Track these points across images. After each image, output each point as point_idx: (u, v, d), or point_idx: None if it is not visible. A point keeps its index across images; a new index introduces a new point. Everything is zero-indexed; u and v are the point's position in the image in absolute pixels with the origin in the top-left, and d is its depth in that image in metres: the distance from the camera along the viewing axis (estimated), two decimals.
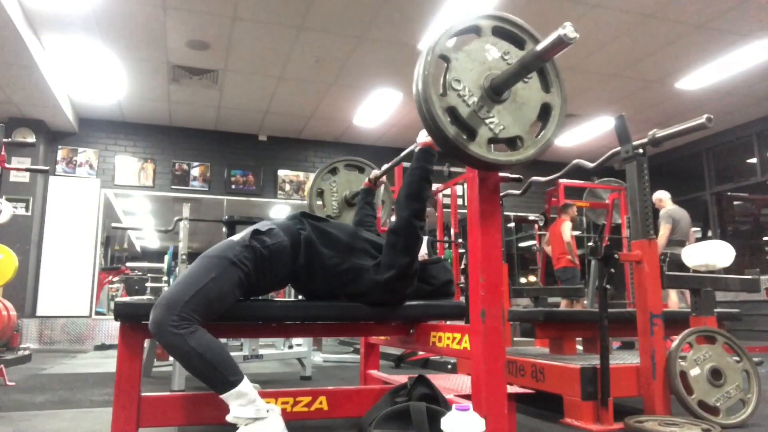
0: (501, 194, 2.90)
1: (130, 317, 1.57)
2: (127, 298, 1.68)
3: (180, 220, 3.76)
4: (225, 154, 7.42)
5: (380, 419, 1.66)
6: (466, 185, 1.48)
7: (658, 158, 8.18)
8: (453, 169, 4.54)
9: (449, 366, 3.79)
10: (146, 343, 3.31)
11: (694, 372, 2.15)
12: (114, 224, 6.34)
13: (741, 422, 2.09)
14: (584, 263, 6.10)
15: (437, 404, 1.69)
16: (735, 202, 8.15)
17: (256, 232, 1.71)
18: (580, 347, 3.26)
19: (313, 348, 4.30)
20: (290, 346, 3.94)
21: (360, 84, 6.01)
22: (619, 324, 2.51)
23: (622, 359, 2.47)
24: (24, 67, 5.04)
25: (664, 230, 5.56)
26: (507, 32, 1.48)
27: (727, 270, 3.71)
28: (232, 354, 3.32)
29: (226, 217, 3.71)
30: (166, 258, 5.28)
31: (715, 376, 2.16)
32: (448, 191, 5.77)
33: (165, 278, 5.49)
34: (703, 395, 2.12)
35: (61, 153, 6.78)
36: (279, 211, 7.83)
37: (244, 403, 1.51)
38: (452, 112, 1.37)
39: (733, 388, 2.16)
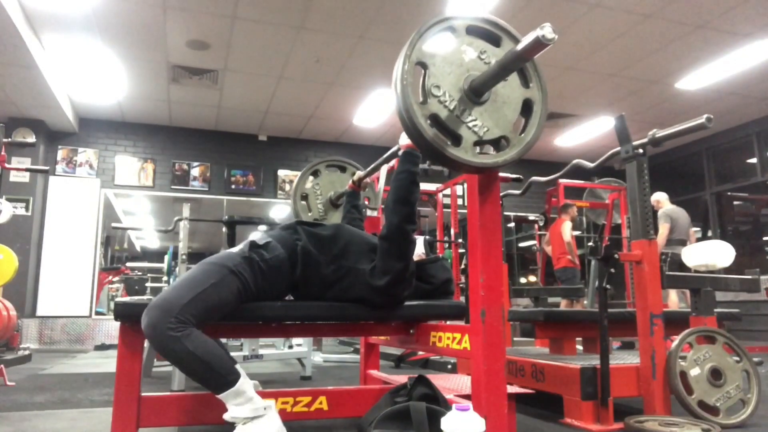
0: (501, 194, 2.90)
1: (130, 317, 1.57)
2: (127, 298, 1.68)
3: (180, 220, 3.76)
4: (225, 154, 7.42)
5: (380, 419, 1.66)
6: (465, 185, 1.47)
7: (658, 158, 8.19)
8: None
9: (449, 366, 3.79)
10: (146, 343, 3.31)
11: (694, 372, 2.15)
12: (114, 224, 6.34)
13: (741, 422, 2.09)
14: (584, 263, 6.10)
15: (437, 404, 1.69)
16: (735, 202, 8.15)
17: (254, 245, 1.70)
18: (580, 347, 3.26)
19: (313, 348, 4.30)
20: (290, 346, 3.94)
21: (360, 84, 6.01)
22: (619, 324, 2.51)
23: (622, 359, 2.47)
24: (24, 67, 5.04)
25: (663, 230, 5.56)
26: (482, 30, 1.47)
27: (727, 270, 3.71)
28: (232, 354, 3.34)
29: (226, 217, 3.72)
30: (166, 258, 5.28)
31: (715, 376, 2.16)
32: (448, 191, 5.78)
33: (165, 278, 5.49)
34: (703, 395, 2.12)
35: (61, 153, 6.78)
36: (279, 211, 7.83)
37: (241, 402, 1.51)
38: (434, 118, 1.36)
39: (733, 388, 2.16)
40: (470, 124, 1.39)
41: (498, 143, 1.43)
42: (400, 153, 1.81)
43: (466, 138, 1.38)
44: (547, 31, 1.16)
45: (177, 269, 3.72)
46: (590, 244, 2.29)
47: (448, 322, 1.94)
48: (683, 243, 5.45)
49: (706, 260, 2.81)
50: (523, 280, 8.84)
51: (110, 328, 6.53)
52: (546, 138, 7.74)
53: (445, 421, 1.30)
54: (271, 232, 1.81)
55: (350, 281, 1.77)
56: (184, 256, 3.56)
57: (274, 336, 2.99)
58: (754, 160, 7.29)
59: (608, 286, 2.16)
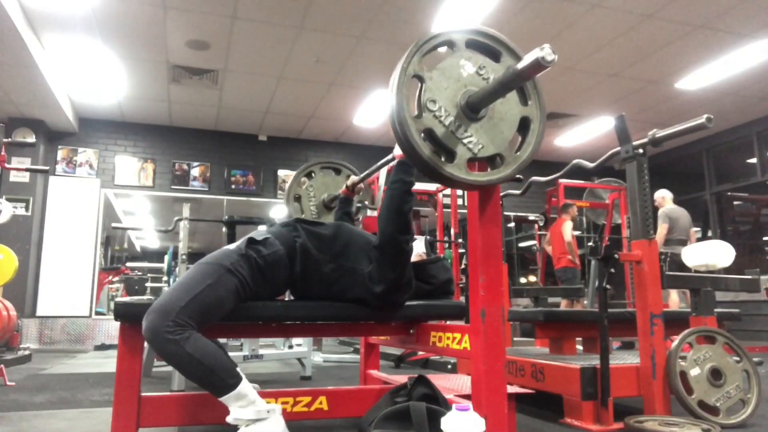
0: (501, 194, 2.90)
1: (130, 317, 1.57)
2: (127, 298, 1.68)
3: (180, 220, 3.76)
4: (225, 154, 7.42)
5: (380, 419, 1.66)
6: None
7: (658, 158, 8.19)
8: None
9: (449, 366, 3.79)
10: (146, 344, 3.31)
11: (694, 372, 2.15)
12: (114, 224, 6.34)
13: (741, 422, 2.09)
14: (584, 263, 6.10)
15: (437, 404, 1.69)
16: (735, 202, 8.16)
17: (251, 241, 1.70)
18: (580, 347, 3.25)
19: (313, 348, 4.30)
20: (290, 346, 3.94)
21: (360, 84, 6.01)
22: (619, 324, 2.51)
23: (622, 359, 2.47)
24: (24, 67, 5.04)
25: (661, 230, 5.56)
26: (481, 45, 1.44)
27: (727, 270, 3.71)
28: (233, 354, 3.34)
29: (226, 217, 3.72)
30: (166, 258, 5.28)
31: (715, 376, 2.16)
32: (448, 191, 5.78)
33: (165, 278, 5.49)
34: (703, 395, 2.12)
35: (61, 153, 6.78)
36: (279, 211, 7.83)
37: (244, 404, 1.51)
38: (429, 133, 1.33)
39: (733, 388, 2.16)
40: (465, 141, 1.36)
41: (493, 160, 1.41)
42: (394, 162, 1.79)
43: (460, 155, 1.35)
44: (546, 52, 1.15)
45: (177, 269, 3.72)
46: (590, 244, 2.29)
47: (448, 322, 1.94)
48: (683, 243, 5.44)
49: (706, 260, 2.81)
50: (523, 280, 8.84)
51: (110, 328, 6.53)
52: (546, 138, 7.68)
53: (445, 421, 1.30)
54: (270, 229, 1.81)
55: (349, 281, 1.76)
56: (184, 256, 3.56)
57: (274, 336, 2.99)
58: (754, 160, 7.29)
59: (608, 286, 2.16)
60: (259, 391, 1.68)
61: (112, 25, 4.72)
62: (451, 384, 2.21)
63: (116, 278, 8.08)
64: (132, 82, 5.89)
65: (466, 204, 4.51)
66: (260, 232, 1.76)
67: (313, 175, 2.74)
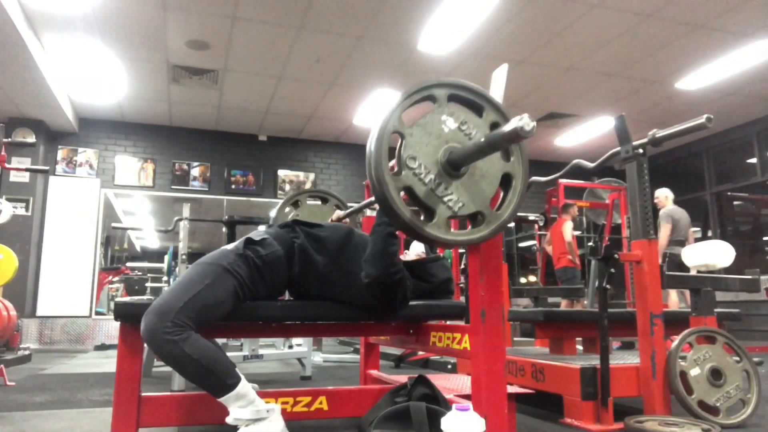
0: None
1: (130, 317, 1.57)
2: (127, 298, 1.68)
3: (180, 220, 3.76)
4: (225, 154, 7.42)
5: (380, 419, 1.66)
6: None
7: (658, 158, 8.19)
8: None
9: (449, 366, 3.79)
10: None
11: (694, 372, 2.15)
12: (114, 224, 6.35)
13: (741, 422, 2.08)
14: (584, 263, 6.10)
15: (437, 404, 1.69)
16: (735, 202, 8.16)
17: (249, 241, 1.70)
18: (580, 347, 3.25)
19: (313, 348, 4.30)
20: (290, 346, 3.94)
21: (360, 84, 6.01)
22: (619, 324, 2.51)
23: (622, 359, 2.47)
24: (24, 67, 5.04)
25: (665, 230, 5.55)
26: (464, 99, 1.41)
27: (727, 270, 3.71)
28: (233, 354, 3.35)
29: (226, 217, 3.72)
30: (166, 258, 5.28)
31: (715, 376, 2.16)
32: None
33: (165, 278, 5.49)
34: (703, 395, 2.12)
35: (61, 153, 6.78)
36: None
37: (243, 404, 1.51)
38: (409, 191, 1.30)
39: (733, 388, 2.16)
40: (445, 199, 1.33)
41: (474, 218, 1.39)
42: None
43: (440, 213, 1.32)
44: (525, 122, 1.12)
45: (177, 269, 3.73)
46: (590, 244, 2.29)
47: (448, 322, 1.94)
48: (682, 243, 5.44)
49: (706, 260, 2.81)
50: (523, 280, 8.84)
51: (110, 328, 6.54)
52: (546, 138, 7.74)
53: (445, 421, 1.30)
54: (269, 230, 1.81)
55: (346, 282, 1.76)
56: (184, 256, 3.56)
57: (274, 336, 2.99)
58: (754, 160, 7.29)
59: (608, 286, 2.16)
60: (259, 391, 1.69)
61: (112, 25, 4.72)
62: (451, 384, 2.21)
63: (116, 278, 8.08)
64: (132, 82, 5.89)
65: None
66: (258, 232, 1.76)
67: (299, 204, 2.72)
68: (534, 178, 3.25)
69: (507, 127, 1.16)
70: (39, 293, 6.43)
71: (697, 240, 6.15)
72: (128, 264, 8.64)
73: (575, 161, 2.73)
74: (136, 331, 1.54)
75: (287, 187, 7.57)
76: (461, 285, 4.79)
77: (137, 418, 1.60)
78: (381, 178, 1.26)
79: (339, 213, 2.44)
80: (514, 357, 2.55)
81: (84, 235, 6.71)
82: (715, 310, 2.48)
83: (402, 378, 2.06)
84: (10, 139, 4.65)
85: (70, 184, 6.76)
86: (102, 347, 6.37)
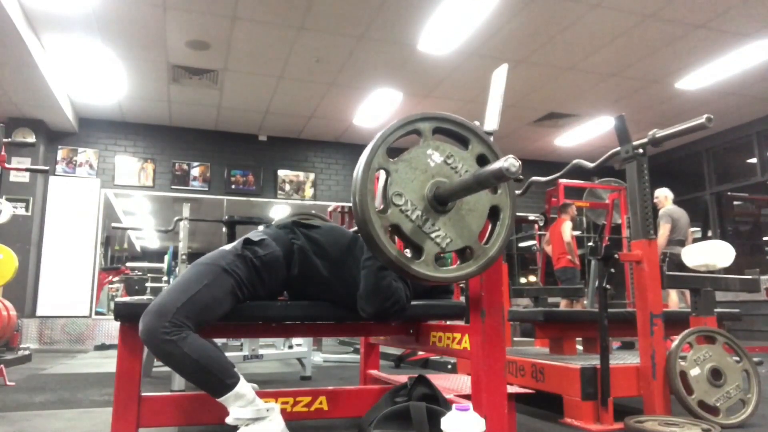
0: None
1: (130, 317, 1.57)
2: (127, 298, 1.68)
3: (180, 220, 3.76)
4: (225, 154, 7.42)
5: (380, 419, 1.66)
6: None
7: (658, 158, 8.19)
8: None
9: (449, 366, 3.79)
10: None
11: (694, 372, 2.15)
12: (114, 224, 6.35)
13: (741, 422, 2.08)
14: (584, 263, 6.10)
15: (437, 404, 1.69)
16: (735, 202, 8.16)
17: (248, 241, 1.69)
18: (580, 347, 3.25)
19: (313, 348, 4.30)
20: (290, 346, 3.94)
21: (360, 84, 6.01)
22: (619, 324, 2.51)
23: (622, 359, 2.47)
24: (24, 67, 5.04)
25: (664, 230, 5.56)
26: (449, 131, 1.40)
27: (727, 270, 3.71)
28: (233, 354, 3.35)
29: (226, 217, 3.72)
30: (166, 258, 5.28)
31: (715, 376, 2.16)
32: None
33: (165, 278, 5.49)
34: (703, 395, 2.12)
35: (61, 153, 6.78)
36: (279, 211, 7.83)
37: (242, 404, 1.51)
38: (396, 228, 1.29)
39: (733, 388, 2.16)
40: (432, 235, 1.32)
41: (462, 253, 1.38)
42: None
43: (427, 250, 1.31)
44: (510, 163, 1.11)
45: (177, 269, 3.73)
46: (590, 244, 2.29)
47: (448, 322, 1.94)
48: (682, 243, 5.45)
49: (706, 260, 2.81)
50: (523, 280, 8.84)
51: (110, 328, 6.54)
52: (546, 138, 7.74)
53: (445, 421, 1.30)
54: (267, 230, 1.80)
55: (345, 287, 1.75)
56: (184, 256, 3.56)
57: (274, 336, 2.99)
58: (754, 160, 7.29)
59: (608, 286, 2.16)
60: (259, 391, 1.69)
61: (112, 25, 4.72)
62: (451, 384, 2.21)
63: (116, 278, 8.09)
64: (132, 82, 5.89)
65: None
66: (257, 233, 1.76)
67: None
68: (534, 178, 3.26)
69: (493, 166, 1.16)
70: (39, 293, 6.43)
71: (696, 240, 6.15)
72: (128, 264, 8.64)
73: (575, 161, 2.73)
74: (136, 331, 1.54)
75: (287, 187, 7.57)
76: (461, 285, 4.79)
77: (137, 418, 1.60)
78: (367, 217, 1.24)
79: None
80: (514, 357, 2.55)
81: (84, 235, 6.71)
82: (715, 310, 2.48)
83: (402, 378, 2.06)
84: (10, 139, 4.65)
85: (70, 184, 6.76)
86: (102, 347, 6.37)
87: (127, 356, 1.60)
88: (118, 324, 1.61)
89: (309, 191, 7.70)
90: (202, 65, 5.53)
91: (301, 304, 1.80)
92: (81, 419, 2.26)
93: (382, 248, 1.26)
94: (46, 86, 5.48)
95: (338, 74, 5.76)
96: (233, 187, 7.39)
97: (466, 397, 1.73)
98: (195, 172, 7.25)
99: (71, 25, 4.72)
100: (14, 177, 6.26)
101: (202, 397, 1.71)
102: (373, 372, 2.58)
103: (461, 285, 4.78)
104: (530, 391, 2.01)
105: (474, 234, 1.37)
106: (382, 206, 1.29)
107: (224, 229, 3.76)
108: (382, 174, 1.33)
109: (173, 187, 7.15)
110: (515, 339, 4.94)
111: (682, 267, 3.20)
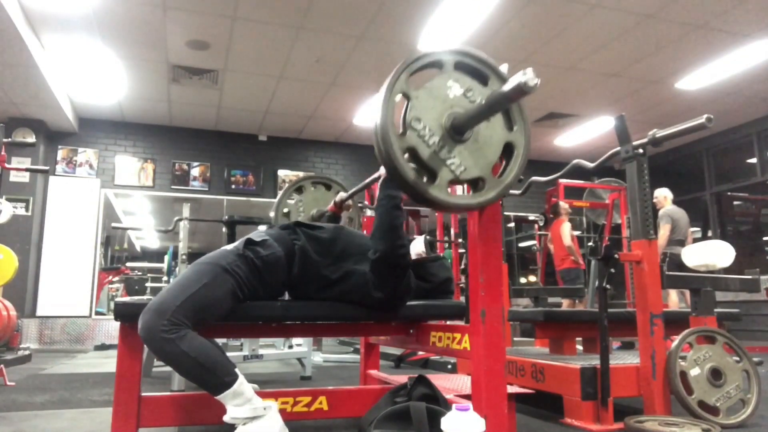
0: None
1: (130, 317, 1.57)
2: (127, 298, 1.68)
3: (180, 220, 3.76)
4: (225, 154, 7.42)
5: (380, 419, 1.66)
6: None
7: (658, 158, 8.19)
8: None
9: (449, 366, 3.79)
10: None
11: (694, 372, 2.15)
12: (114, 224, 6.34)
13: (741, 422, 2.08)
14: (584, 263, 6.10)
15: (437, 404, 1.69)
16: (735, 202, 8.16)
17: (249, 241, 1.70)
18: (580, 347, 3.25)
19: (313, 348, 4.30)
20: (290, 346, 3.94)
21: (360, 84, 6.01)
22: (619, 324, 2.51)
23: (622, 359, 2.47)
24: (24, 67, 5.04)
25: (664, 230, 5.56)
26: (470, 67, 1.42)
27: (727, 270, 3.71)
28: (233, 354, 3.35)
29: (226, 217, 3.72)
30: (166, 258, 5.29)
31: (715, 376, 2.16)
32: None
33: (165, 278, 5.49)
34: (703, 395, 2.12)
35: (61, 153, 6.78)
36: None
37: (240, 402, 1.51)
38: (412, 152, 1.31)
39: (733, 388, 2.16)
40: (448, 162, 1.33)
41: (475, 183, 1.39)
42: (381, 179, 1.78)
43: (441, 176, 1.32)
44: (528, 77, 1.12)
45: (177, 269, 3.73)
46: (590, 244, 2.29)
47: (448, 322, 1.94)
48: (682, 243, 5.45)
49: (706, 260, 2.81)
50: (523, 280, 8.84)
51: (110, 328, 6.54)
52: (546, 138, 7.74)
53: (445, 421, 1.30)
54: (269, 231, 1.81)
55: (349, 284, 1.76)
56: (184, 256, 3.56)
57: (274, 336, 2.99)
58: (754, 160, 7.29)
59: (608, 286, 2.16)
60: (259, 391, 1.69)
61: (112, 25, 4.72)
62: (451, 384, 2.21)
63: (116, 278, 8.09)
64: (132, 82, 5.89)
65: None
66: (259, 233, 1.76)
67: (303, 190, 2.73)
68: (534, 178, 3.26)
69: (512, 82, 1.17)
70: (39, 293, 6.43)
71: (696, 240, 6.15)
72: (128, 264, 8.65)
73: (575, 161, 2.73)
74: (136, 331, 1.54)
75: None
76: (461, 285, 4.80)
77: (137, 418, 1.60)
78: (387, 138, 1.26)
79: (342, 195, 2.43)
80: (514, 357, 2.55)
81: (84, 235, 6.71)
82: (715, 310, 2.48)
83: (402, 378, 2.05)
84: (10, 139, 4.65)
85: (70, 184, 6.76)
86: (102, 347, 6.37)
87: (127, 356, 1.60)
88: (118, 324, 1.61)
89: None
90: (202, 65, 5.53)
91: (301, 304, 1.80)
92: (81, 419, 2.26)
93: (399, 169, 1.26)
94: (46, 86, 5.48)
95: (338, 74, 5.76)
96: (233, 187, 7.39)
97: (466, 397, 1.72)
98: (195, 172, 7.25)
99: (71, 25, 4.72)
100: (14, 177, 6.26)
101: (202, 397, 1.71)
102: (373, 372, 2.58)
103: (461, 285, 4.79)
104: (530, 391, 2.01)
105: (488, 165, 1.39)
106: (401, 130, 1.30)
107: (224, 229, 3.76)
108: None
109: (173, 187, 7.15)
110: (515, 339, 4.94)
111: (682, 267, 3.20)
